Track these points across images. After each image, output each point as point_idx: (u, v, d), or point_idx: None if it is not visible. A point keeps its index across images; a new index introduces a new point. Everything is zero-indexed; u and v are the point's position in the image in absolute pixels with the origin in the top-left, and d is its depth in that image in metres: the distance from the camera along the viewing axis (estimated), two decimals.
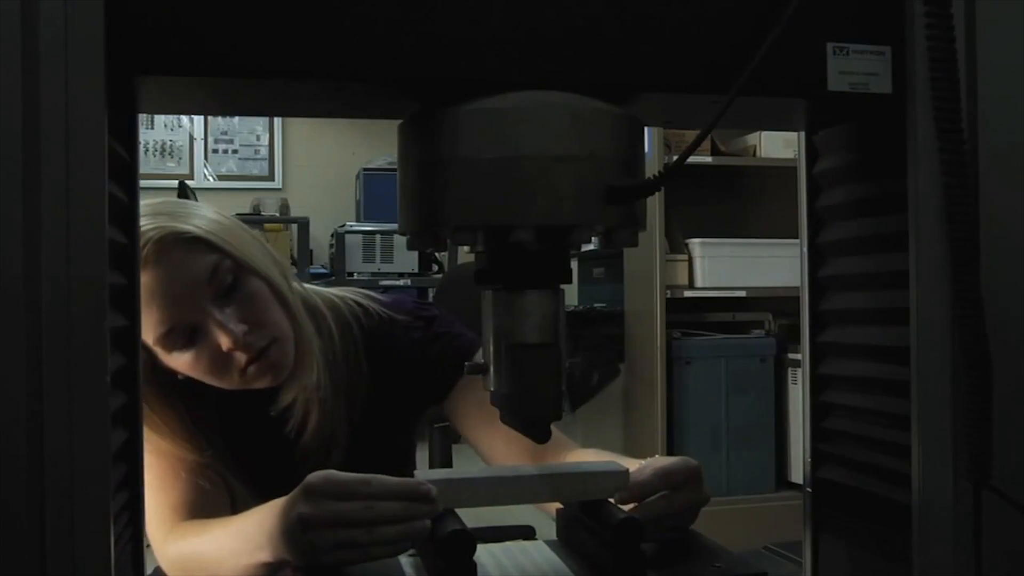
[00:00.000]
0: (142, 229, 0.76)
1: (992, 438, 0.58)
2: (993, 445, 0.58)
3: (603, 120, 0.58)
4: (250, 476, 1.03)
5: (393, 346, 1.10)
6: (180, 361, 0.94)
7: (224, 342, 0.92)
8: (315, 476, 0.73)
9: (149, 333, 0.91)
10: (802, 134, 0.76)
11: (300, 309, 1.01)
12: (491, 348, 0.62)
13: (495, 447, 1.07)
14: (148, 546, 0.66)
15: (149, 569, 0.85)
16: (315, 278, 4.10)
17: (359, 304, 1.11)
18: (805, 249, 0.76)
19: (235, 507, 1.00)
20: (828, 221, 0.75)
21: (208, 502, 0.99)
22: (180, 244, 0.92)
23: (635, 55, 0.58)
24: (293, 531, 0.72)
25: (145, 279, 0.85)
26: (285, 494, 0.78)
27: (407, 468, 1.14)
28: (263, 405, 1.00)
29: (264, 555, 0.79)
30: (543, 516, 0.92)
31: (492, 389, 0.63)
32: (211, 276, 0.92)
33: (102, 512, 0.51)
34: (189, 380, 0.97)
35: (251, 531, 0.81)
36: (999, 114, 0.60)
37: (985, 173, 0.60)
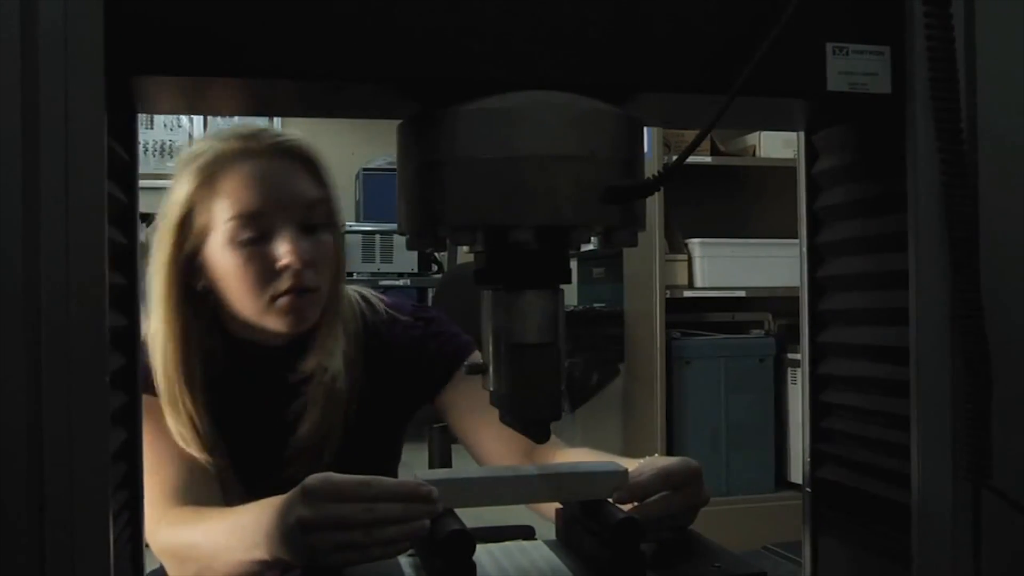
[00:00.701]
0: (263, 128, 0.88)
1: (991, 438, 0.58)
2: (992, 445, 0.58)
3: (602, 120, 0.58)
4: (241, 466, 1.00)
5: (393, 343, 1.10)
6: (230, 257, 0.94)
7: (287, 258, 0.93)
8: (314, 479, 0.72)
9: (225, 212, 0.93)
10: (801, 134, 0.76)
11: (343, 289, 1.04)
12: (491, 348, 0.62)
13: (486, 445, 1.06)
14: (147, 546, 0.66)
15: (149, 568, 0.85)
16: None
17: (364, 299, 1.12)
18: (804, 249, 0.76)
19: (224, 498, 0.99)
20: (827, 221, 0.75)
21: (201, 488, 0.97)
22: (303, 162, 0.97)
23: (634, 55, 0.58)
24: (292, 533, 0.72)
25: (255, 165, 0.93)
26: (271, 491, 0.78)
27: (394, 467, 1.15)
28: (282, 368, 1.00)
29: (260, 553, 0.78)
30: (542, 517, 0.92)
31: (492, 389, 0.63)
32: (311, 205, 0.96)
33: (101, 511, 0.51)
34: (209, 330, 0.97)
35: (248, 528, 0.80)
36: (998, 114, 0.60)
37: (984, 173, 0.60)
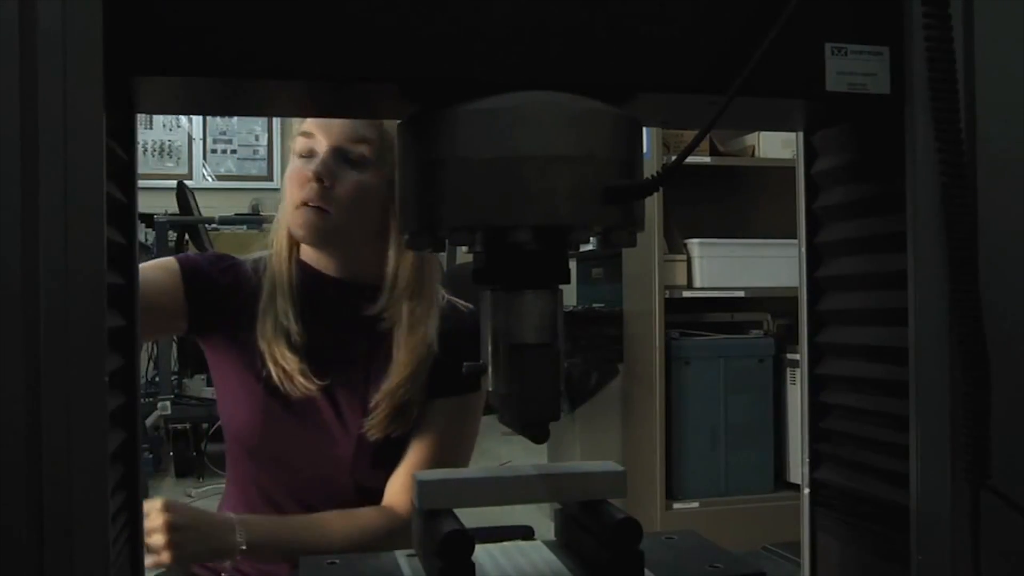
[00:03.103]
0: None
1: (990, 438, 0.58)
2: (991, 445, 0.58)
3: (601, 120, 0.58)
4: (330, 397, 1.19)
5: (454, 331, 1.20)
6: (289, 166, 1.16)
7: (310, 171, 1.11)
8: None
9: (300, 124, 1.15)
10: (800, 134, 0.76)
11: (400, 246, 1.16)
12: (489, 348, 0.62)
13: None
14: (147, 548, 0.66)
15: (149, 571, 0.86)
16: None
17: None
18: (803, 249, 0.76)
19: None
20: (826, 221, 0.75)
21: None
22: None
23: (633, 55, 0.58)
24: None
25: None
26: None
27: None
28: (348, 304, 1.18)
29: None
30: (542, 516, 0.92)
31: (490, 389, 0.63)
32: (353, 139, 1.12)
33: (100, 513, 0.51)
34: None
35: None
36: (997, 114, 0.60)
37: (983, 173, 0.60)
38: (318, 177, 1.11)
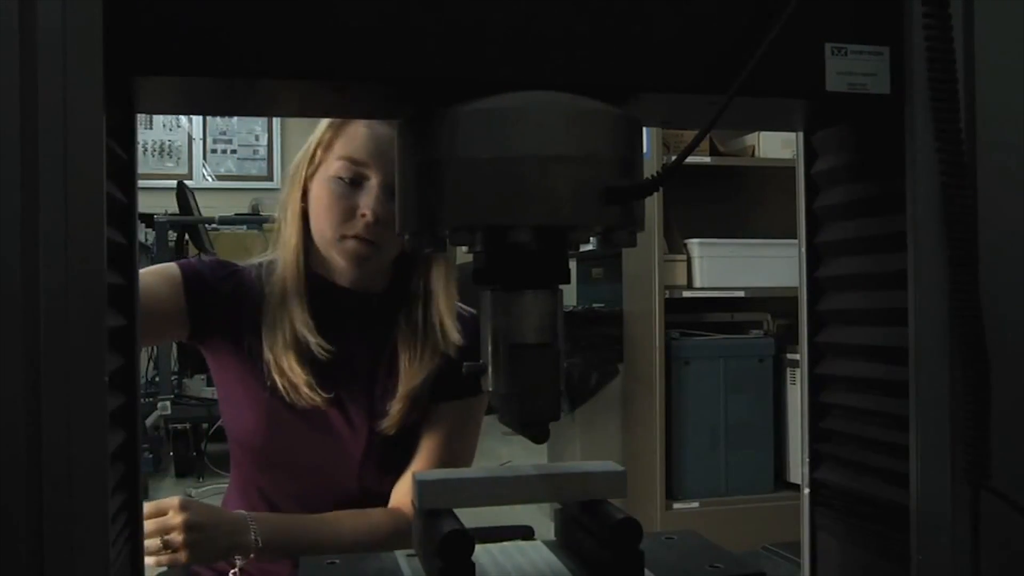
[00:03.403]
0: None
1: (990, 439, 0.58)
2: (991, 446, 0.58)
3: (601, 120, 0.58)
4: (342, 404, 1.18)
5: (464, 336, 1.20)
6: (327, 189, 1.11)
7: (366, 209, 1.10)
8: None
9: (339, 151, 1.11)
10: (800, 134, 0.76)
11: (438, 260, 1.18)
12: (489, 348, 0.62)
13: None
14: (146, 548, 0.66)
15: (150, 571, 0.86)
16: None
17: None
18: (803, 249, 0.76)
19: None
20: (826, 221, 0.75)
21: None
22: None
23: (633, 55, 0.58)
24: None
25: (378, 124, 1.07)
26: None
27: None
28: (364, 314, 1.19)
29: None
30: (542, 516, 0.92)
31: (490, 389, 0.63)
32: None
33: (100, 513, 0.51)
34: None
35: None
36: (997, 114, 0.60)
37: (983, 173, 0.60)
38: (376, 216, 1.10)
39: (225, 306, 1.17)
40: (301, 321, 1.13)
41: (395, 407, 1.17)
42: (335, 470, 1.20)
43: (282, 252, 1.16)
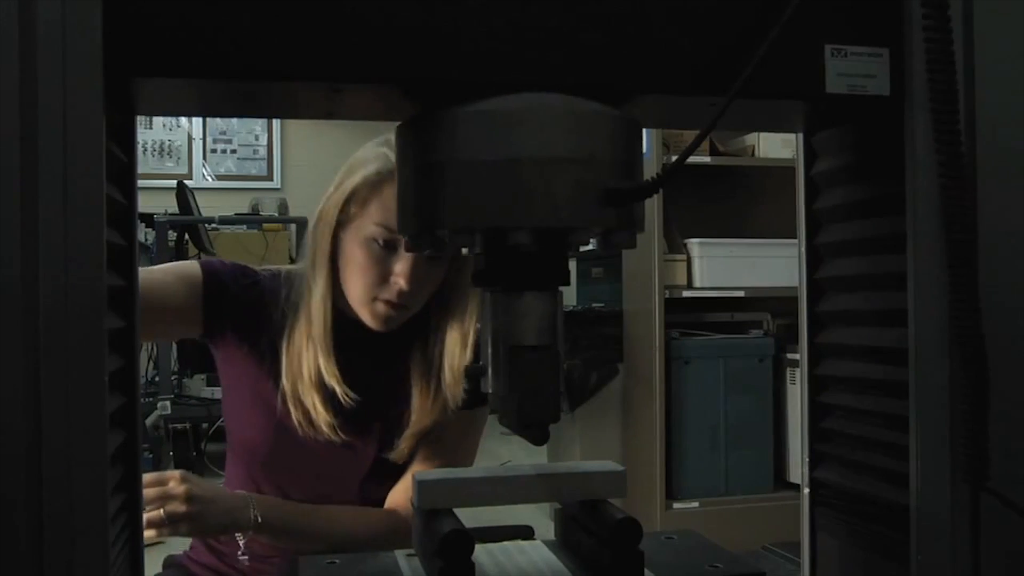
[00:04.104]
0: None
1: (989, 440, 0.58)
2: (990, 447, 0.58)
3: (601, 122, 0.58)
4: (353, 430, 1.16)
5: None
6: (360, 250, 1.10)
7: (400, 278, 1.09)
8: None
9: (374, 215, 1.09)
10: (800, 135, 0.76)
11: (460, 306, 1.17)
12: (489, 350, 0.62)
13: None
14: (147, 546, 0.66)
15: (148, 570, 0.86)
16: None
17: None
18: (803, 250, 0.76)
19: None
20: (826, 222, 0.75)
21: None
22: None
23: (633, 57, 0.58)
24: None
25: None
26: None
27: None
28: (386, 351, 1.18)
29: None
30: (542, 516, 0.93)
31: (490, 391, 0.63)
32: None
33: (100, 514, 0.51)
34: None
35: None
36: (997, 115, 0.60)
37: (983, 174, 0.60)
38: (409, 284, 1.09)
39: (242, 313, 1.17)
40: (329, 372, 1.13)
41: (405, 442, 1.17)
42: (336, 483, 1.20)
43: (309, 298, 1.14)
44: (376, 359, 1.18)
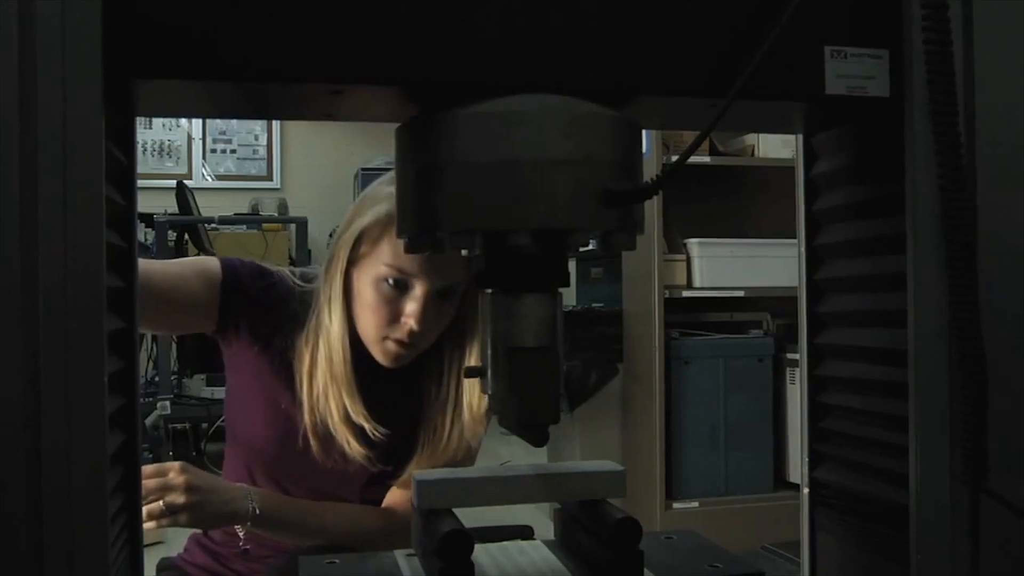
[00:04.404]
0: None
1: (987, 443, 0.58)
2: (988, 450, 0.58)
3: (600, 124, 0.58)
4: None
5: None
6: (371, 290, 1.10)
7: (410, 319, 1.09)
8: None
9: (384, 256, 1.08)
10: (800, 137, 0.76)
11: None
12: (489, 351, 0.62)
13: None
14: (146, 545, 0.67)
15: (149, 570, 0.86)
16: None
17: None
18: (803, 251, 0.76)
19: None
20: (826, 223, 0.75)
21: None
22: None
23: (633, 58, 0.58)
24: None
25: None
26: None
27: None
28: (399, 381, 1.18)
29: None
30: (542, 516, 0.93)
31: (489, 392, 0.63)
32: (451, 285, 1.10)
33: (99, 514, 0.51)
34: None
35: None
36: (996, 117, 0.60)
37: (982, 176, 0.60)
38: (419, 324, 1.09)
39: (257, 313, 1.17)
40: (356, 412, 1.13)
41: (411, 468, 1.17)
42: (338, 488, 1.21)
43: (327, 337, 1.14)
44: (398, 391, 1.18)
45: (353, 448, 1.14)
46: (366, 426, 1.13)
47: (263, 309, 1.17)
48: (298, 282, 1.20)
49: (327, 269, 1.15)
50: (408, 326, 1.09)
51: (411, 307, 1.09)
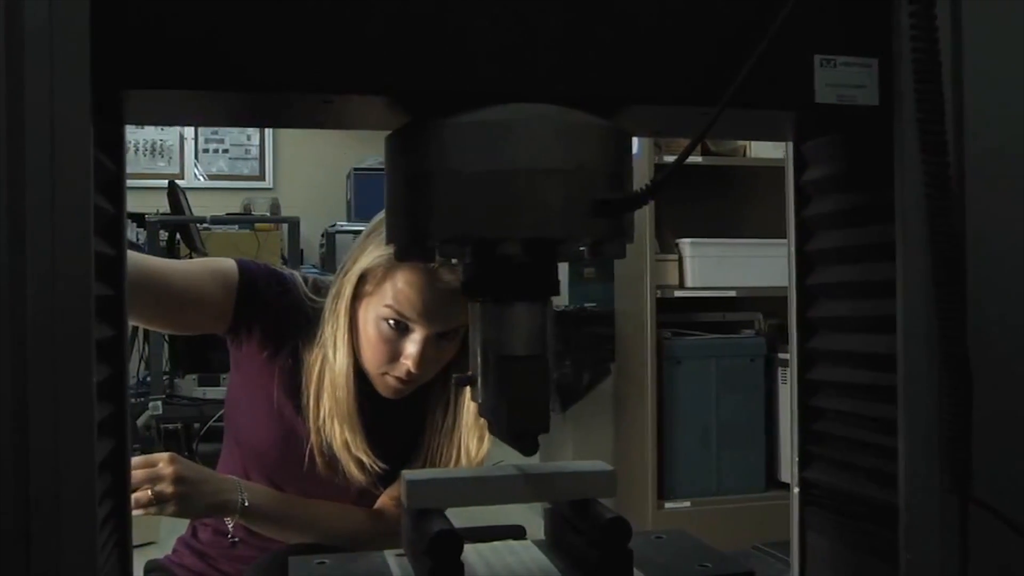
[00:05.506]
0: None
1: (971, 452, 0.59)
2: (978, 454, 0.59)
3: (591, 133, 0.58)
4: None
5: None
6: (373, 327, 1.11)
7: (408, 360, 1.10)
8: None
9: (387, 297, 1.09)
10: (790, 144, 0.76)
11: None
12: (479, 360, 0.62)
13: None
14: (136, 546, 0.66)
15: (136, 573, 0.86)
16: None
17: None
18: (793, 257, 0.77)
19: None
20: (816, 230, 0.75)
21: None
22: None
23: (624, 67, 0.58)
24: None
25: (429, 285, 1.07)
26: None
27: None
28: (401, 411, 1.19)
29: None
30: (533, 516, 0.93)
31: (480, 401, 0.63)
32: (452, 329, 1.11)
33: (88, 521, 0.51)
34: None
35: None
36: (984, 125, 0.61)
37: (970, 184, 0.61)
38: (417, 366, 1.10)
39: (270, 318, 1.17)
40: (357, 447, 1.14)
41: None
42: (335, 492, 1.21)
43: (332, 373, 1.14)
44: (402, 418, 1.19)
45: (354, 475, 1.15)
46: (365, 460, 1.14)
47: (276, 314, 1.17)
48: (309, 294, 1.19)
49: (333, 305, 1.15)
50: (406, 367, 1.10)
51: (410, 349, 1.10)
